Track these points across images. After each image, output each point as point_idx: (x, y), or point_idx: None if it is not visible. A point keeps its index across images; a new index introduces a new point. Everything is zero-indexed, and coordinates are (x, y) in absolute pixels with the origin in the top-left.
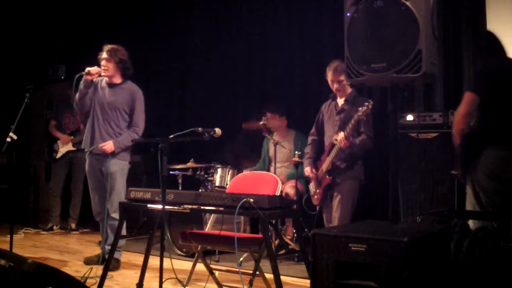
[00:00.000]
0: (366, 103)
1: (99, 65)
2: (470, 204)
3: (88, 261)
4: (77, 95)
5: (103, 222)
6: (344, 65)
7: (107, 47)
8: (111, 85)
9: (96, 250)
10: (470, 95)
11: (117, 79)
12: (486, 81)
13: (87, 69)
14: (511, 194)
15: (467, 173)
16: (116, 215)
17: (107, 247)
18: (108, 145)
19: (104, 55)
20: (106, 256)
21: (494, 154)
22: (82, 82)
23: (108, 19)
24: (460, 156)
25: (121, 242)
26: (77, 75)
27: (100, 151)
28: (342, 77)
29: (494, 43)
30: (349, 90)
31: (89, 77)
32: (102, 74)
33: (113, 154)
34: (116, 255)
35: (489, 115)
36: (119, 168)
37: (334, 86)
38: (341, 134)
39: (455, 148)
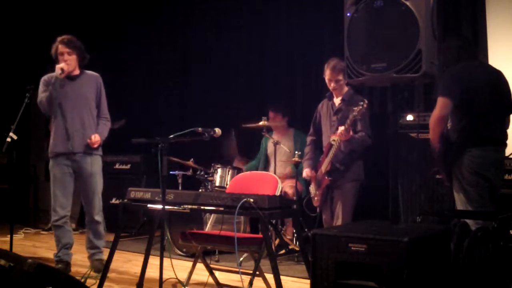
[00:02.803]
0: (361, 102)
1: (54, 60)
2: (461, 203)
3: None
4: (49, 97)
5: (66, 226)
6: (343, 64)
7: (64, 38)
8: (71, 77)
9: None
10: (442, 100)
11: (76, 71)
12: (454, 85)
13: (59, 66)
14: (493, 190)
15: (452, 174)
16: (99, 218)
17: (91, 251)
18: (96, 139)
19: (63, 48)
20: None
21: (475, 154)
22: (57, 83)
23: (107, 19)
24: (442, 160)
25: (102, 243)
26: (56, 78)
27: (80, 149)
28: (340, 77)
29: (468, 48)
30: (345, 89)
31: (63, 75)
32: (68, 69)
33: (96, 149)
34: (99, 256)
35: (464, 118)
36: (100, 167)
37: (331, 85)
38: (341, 128)
39: (434, 152)
